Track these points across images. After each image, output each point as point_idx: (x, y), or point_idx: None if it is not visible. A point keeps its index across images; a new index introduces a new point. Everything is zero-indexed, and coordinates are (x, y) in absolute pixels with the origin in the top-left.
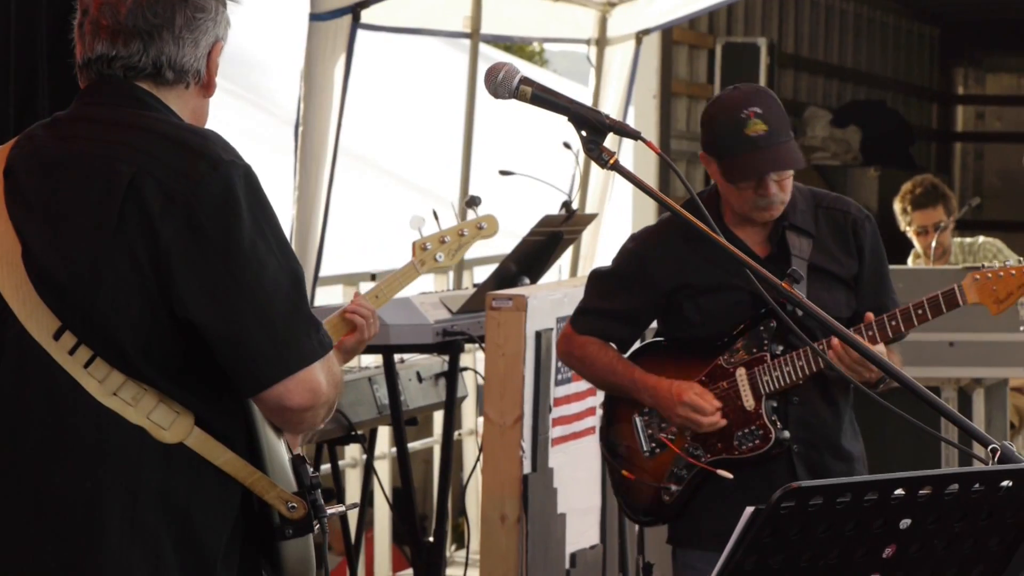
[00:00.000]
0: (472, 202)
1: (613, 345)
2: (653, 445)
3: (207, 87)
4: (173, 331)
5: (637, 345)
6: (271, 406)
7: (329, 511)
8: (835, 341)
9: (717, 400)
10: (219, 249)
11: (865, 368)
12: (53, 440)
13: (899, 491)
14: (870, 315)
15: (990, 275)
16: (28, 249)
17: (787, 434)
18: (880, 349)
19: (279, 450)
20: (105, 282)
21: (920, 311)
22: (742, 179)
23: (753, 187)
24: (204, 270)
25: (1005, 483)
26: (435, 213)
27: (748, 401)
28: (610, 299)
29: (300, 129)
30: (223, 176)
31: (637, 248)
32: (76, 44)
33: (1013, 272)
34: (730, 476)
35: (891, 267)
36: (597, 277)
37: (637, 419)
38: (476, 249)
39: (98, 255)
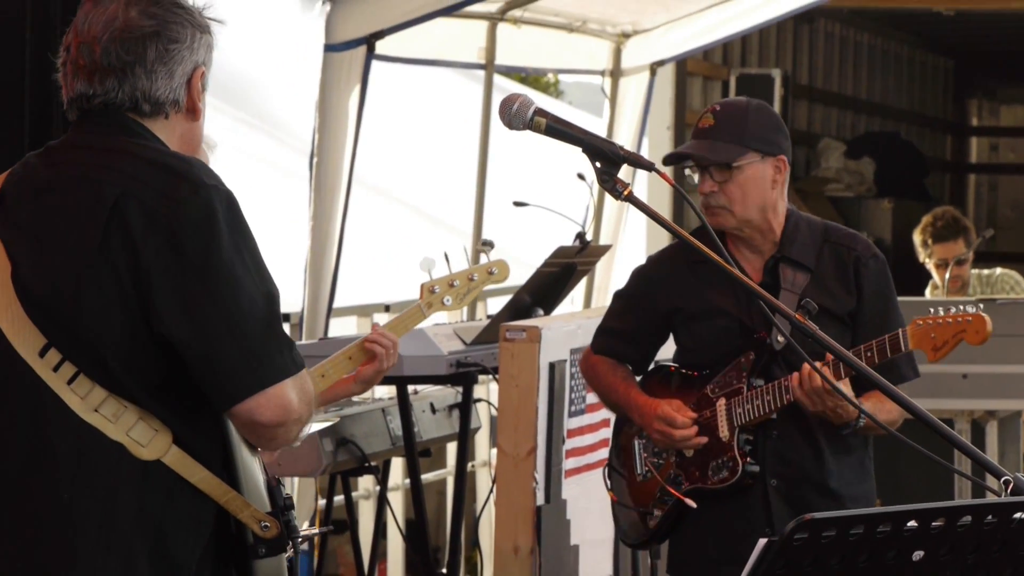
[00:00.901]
0: (486, 245)
1: (629, 366)
2: (646, 469)
3: (192, 112)
4: (153, 348)
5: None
6: (243, 421)
7: (303, 533)
8: (799, 373)
9: (694, 424)
10: (197, 267)
11: (828, 398)
12: (34, 454)
13: (912, 523)
14: (829, 356)
15: (931, 321)
16: (17, 269)
17: (756, 468)
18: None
19: (254, 471)
20: (88, 299)
21: (868, 353)
22: (684, 166)
23: (700, 183)
24: (181, 287)
25: (1018, 515)
26: (446, 256)
27: (723, 432)
28: (620, 319)
29: (315, 160)
30: (204, 199)
31: (644, 270)
32: (61, 84)
33: (950, 320)
34: (694, 505)
35: (907, 299)
36: (615, 297)
37: (636, 443)
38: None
39: (82, 273)
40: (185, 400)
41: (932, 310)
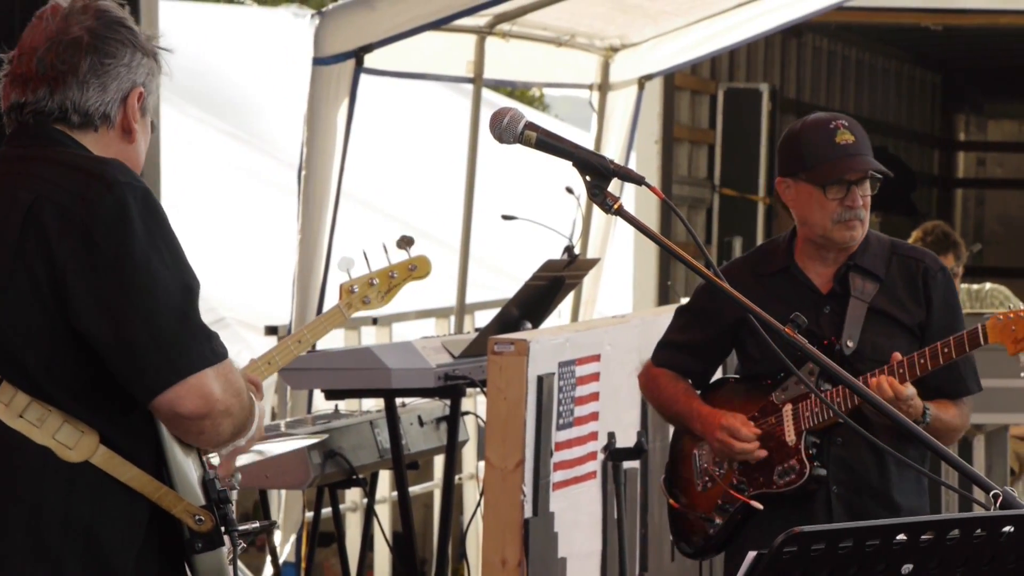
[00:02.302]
0: (405, 242)
1: (690, 380)
2: (706, 479)
3: (128, 132)
4: (75, 350)
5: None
6: (165, 414)
7: (241, 527)
8: (879, 378)
9: (760, 432)
10: (111, 263)
11: (904, 406)
12: None
13: (901, 536)
14: (897, 355)
15: (1011, 316)
16: None
17: (823, 471)
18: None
19: (186, 466)
20: (8, 305)
21: (946, 350)
22: (835, 181)
23: (841, 197)
24: (96, 283)
25: (1007, 529)
26: (365, 254)
27: (790, 436)
28: (684, 332)
29: (303, 173)
30: (117, 196)
31: (710, 283)
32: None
33: None
34: (760, 507)
35: None
36: (677, 312)
37: (696, 453)
38: (478, 293)
39: (1, 283)
40: (113, 400)
41: (1011, 305)
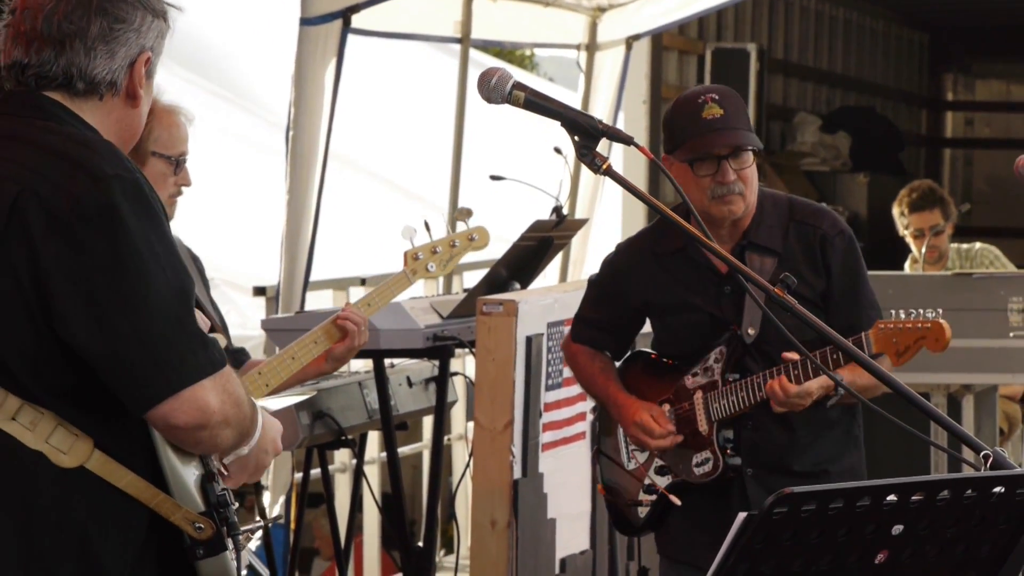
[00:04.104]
0: (464, 213)
1: (608, 353)
2: (632, 457)
3: (133, 98)
4: (62, 353)
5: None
6: (160, 426)
7: (243, 528)
8: (771, 382)
9: (672, 424)
10: (99, 266)
11: (800, 404)
12: None
13: (892, 497)
14: (787, 355)
15: (891, 326)
16: None
17: (737, 460)
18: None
19: (182, 470)
20: None
21: (835, 355)
22: (699, 159)
23: (712, 173)
24: (84, 289)
25: (997, 489)
26: (427, 224)
27: (702, 425)
28: (595, 309)
29: (291, 133)
30: (105, 191)
31: (614, 260)
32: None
33: (910, 325)
34: (678, 502)
35: (885, 273)
36: (589, 285)
37: (620, 432)
38: (466, 254)
39: None
40: (104, 404)
41: (893, 313)
